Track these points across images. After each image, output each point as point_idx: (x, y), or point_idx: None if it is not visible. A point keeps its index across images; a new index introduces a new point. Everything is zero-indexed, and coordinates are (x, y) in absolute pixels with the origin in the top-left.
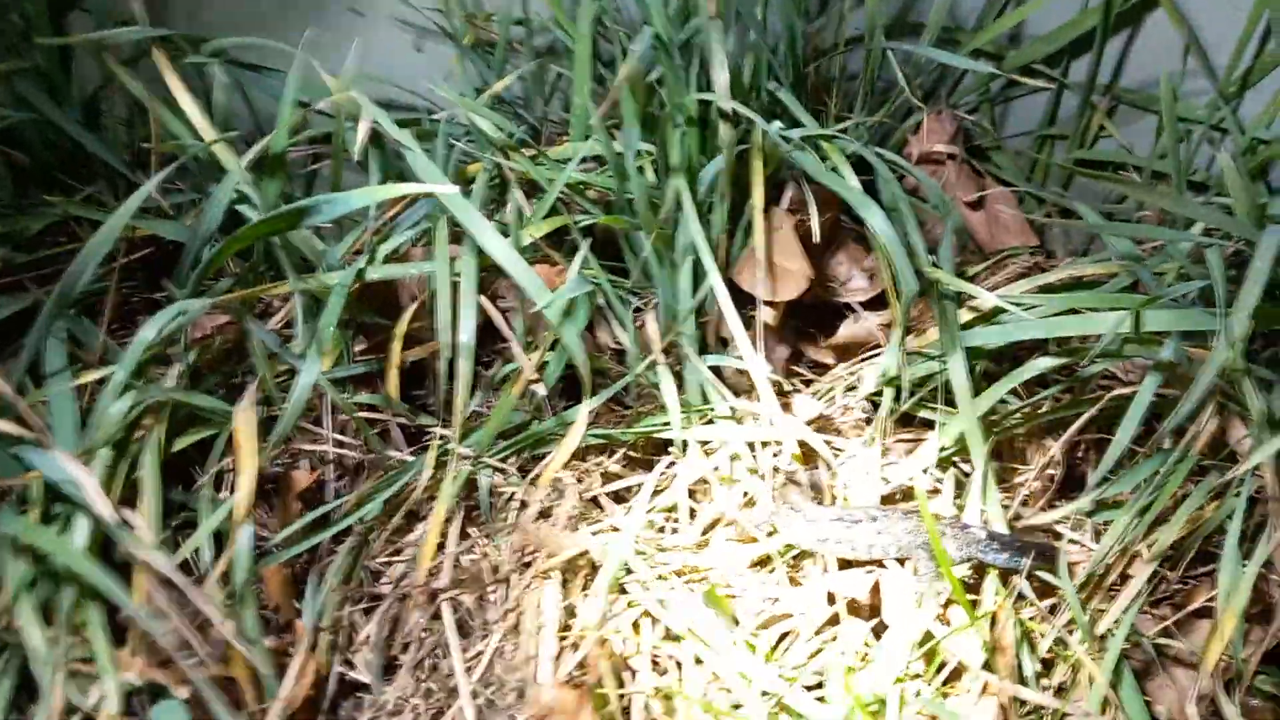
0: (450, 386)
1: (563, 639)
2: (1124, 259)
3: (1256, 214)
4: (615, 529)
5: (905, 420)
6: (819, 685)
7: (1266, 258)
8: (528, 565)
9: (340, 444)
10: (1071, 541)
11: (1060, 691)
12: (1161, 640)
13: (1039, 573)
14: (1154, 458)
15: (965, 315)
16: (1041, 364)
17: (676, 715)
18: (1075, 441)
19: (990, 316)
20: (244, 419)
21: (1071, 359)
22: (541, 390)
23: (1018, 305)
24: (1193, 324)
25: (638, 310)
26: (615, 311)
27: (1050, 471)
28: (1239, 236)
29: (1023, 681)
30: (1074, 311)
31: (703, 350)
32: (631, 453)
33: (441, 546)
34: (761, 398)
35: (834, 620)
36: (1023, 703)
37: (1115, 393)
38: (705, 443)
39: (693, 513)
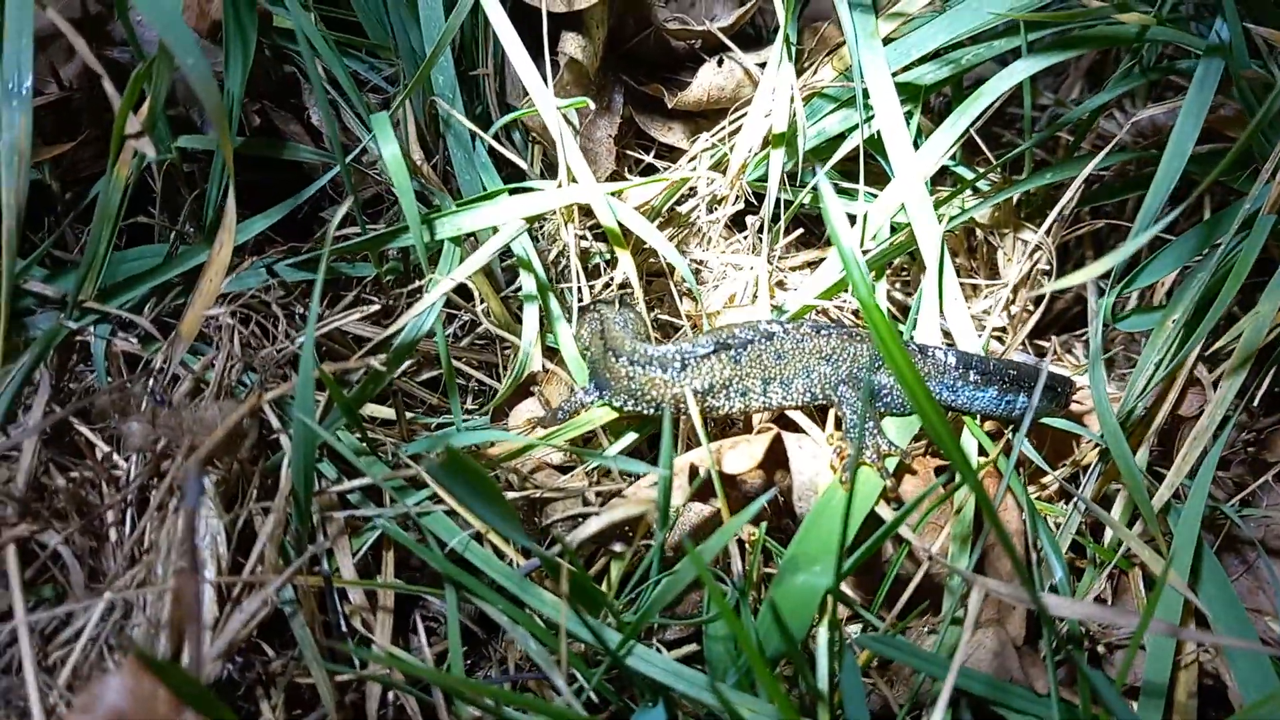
0: None
1: (229, 587)
2: None
3: None
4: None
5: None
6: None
7: None
8: (165, 473)
9: None
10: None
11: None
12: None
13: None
14: (1206, 225)
15: (889, 26)
16: (1019, 71)
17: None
18: (1071, 233)
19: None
20: None
21: (1059, 55)
22: (149, 150)
23: None
24: None
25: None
26: (329, 75)
27: (1041, 266)
28: None
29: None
30: None
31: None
32: (370, 295)
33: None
34: (562, 148)
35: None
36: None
37: (1142, 114)
38: (459, 243)
39: (446, 388)
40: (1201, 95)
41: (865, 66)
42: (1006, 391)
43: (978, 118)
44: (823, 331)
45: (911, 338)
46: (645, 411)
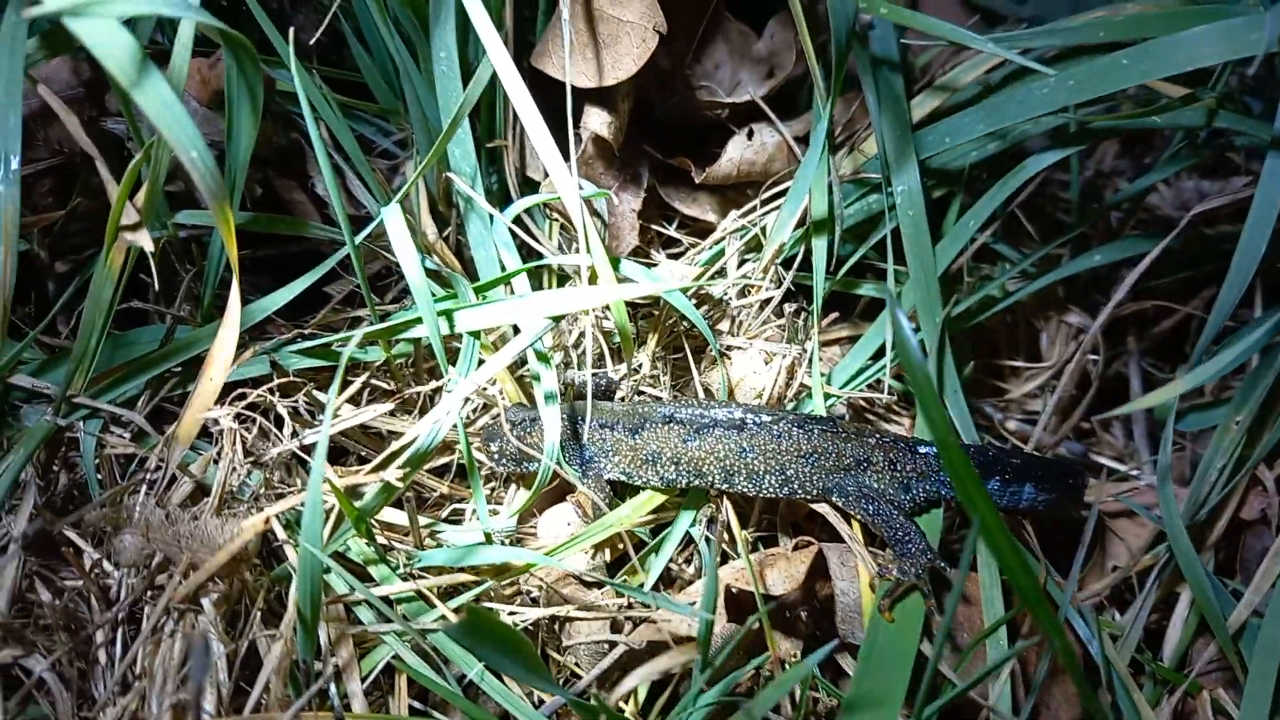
0: None
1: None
2: None
3: None
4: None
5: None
6: None
7: None
8: (161, 588)
9: None
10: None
11: None
12: None
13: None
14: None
15: (923, 107)
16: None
17: None
18: (1119, 316)
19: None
20: None
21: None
22: (146, 243)
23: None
24: None
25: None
26: (339, 145)
27: (1083, 358)
28: None
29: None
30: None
31: (508, 201)
32: (381, 382)
33: None
34: (584, 242)
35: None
36: None
37: (1200, 208)
38: (478, 336)
39: (467, 475)
40: (1271, 191)
41: (892, 156)
42: (1010, 482)
43: (1014, 195)
44: (806, 426)
45: (903, 436)
46: (624, 478)
